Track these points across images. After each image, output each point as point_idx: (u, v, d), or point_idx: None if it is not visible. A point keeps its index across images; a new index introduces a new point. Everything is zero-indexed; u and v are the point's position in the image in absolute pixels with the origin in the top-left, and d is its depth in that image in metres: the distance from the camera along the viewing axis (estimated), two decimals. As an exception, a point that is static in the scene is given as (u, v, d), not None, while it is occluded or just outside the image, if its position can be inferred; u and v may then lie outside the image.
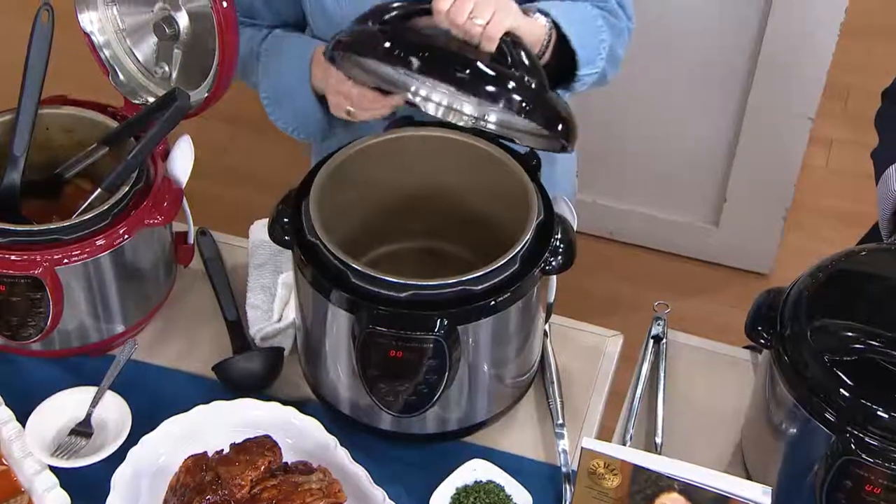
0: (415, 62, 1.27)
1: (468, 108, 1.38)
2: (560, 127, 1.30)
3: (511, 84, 1.27)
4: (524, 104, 1.26)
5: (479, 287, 1.23)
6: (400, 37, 1.30)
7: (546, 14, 1.38)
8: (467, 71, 1.26)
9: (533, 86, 1.28)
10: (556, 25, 1.38)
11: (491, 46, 1.28)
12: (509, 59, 1.28)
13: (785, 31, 2.32)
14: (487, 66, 1.27)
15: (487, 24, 1.26)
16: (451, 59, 1.28)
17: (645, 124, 2.58)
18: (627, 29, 1.53)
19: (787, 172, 2.54)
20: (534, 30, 1.35)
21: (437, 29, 1.31)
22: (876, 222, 1.75)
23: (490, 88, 1.26)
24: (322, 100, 1.49)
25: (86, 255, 1.34)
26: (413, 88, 1.38)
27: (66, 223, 1.33)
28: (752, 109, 2.46)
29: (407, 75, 1.34)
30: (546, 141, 1.35)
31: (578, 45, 1.39)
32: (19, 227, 1.33)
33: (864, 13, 2.61)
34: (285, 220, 1.29)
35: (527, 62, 1.28)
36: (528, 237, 1.26)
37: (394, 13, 1.33)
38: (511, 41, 1.29)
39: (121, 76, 1.54)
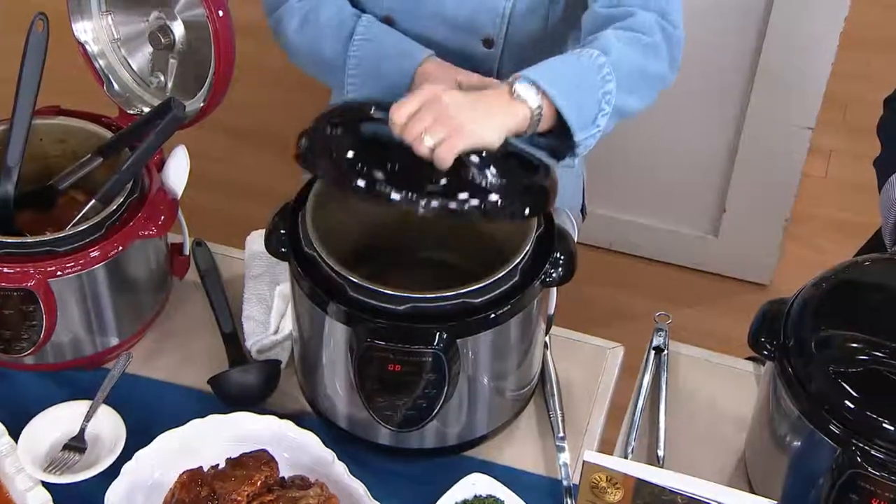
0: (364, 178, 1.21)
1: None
2: (526, 212, 1.24)
3: (465, 195, 1.20)
4: (483, 210, 1.20)
5: (479, 300, 1.21)
6: (360, 144, 1.25)
7: (533, 83, 1.28)
8: (416, 184, 1.21)
9: (488, 186, 1.21)
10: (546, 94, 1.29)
11: (443, 167, 1.21)
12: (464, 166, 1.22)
13: (784, 41, 2.32)
14: (440, 182, 1.21)
15: (439, 145, 1.20)
16: (405, 172, 1.22)
17: (644, 134, 2.57)
18: (672, 38, 1.45)
19: (786, 183, 2.53)
20: (510, 123, 1.27)
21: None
22: (874, 232, 1.74)
23: (448, 204, 1.20)
24: None
25: (80, 267, 1.33)
26: None
27: (60, 235, 1.32)
28: (752, 119, 2.45)
29: None
30: None
31: (569, 110, 1.30)
32: (12, 239, 1.32)
33: (863, 24, 2.61)
34: (282, 231, 1.28)
35: (480, 168, 1.22)
36: (527, 249, 1.25)
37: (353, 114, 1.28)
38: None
39: (115, 86, 1.54)
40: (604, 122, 1.36)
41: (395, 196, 1.18)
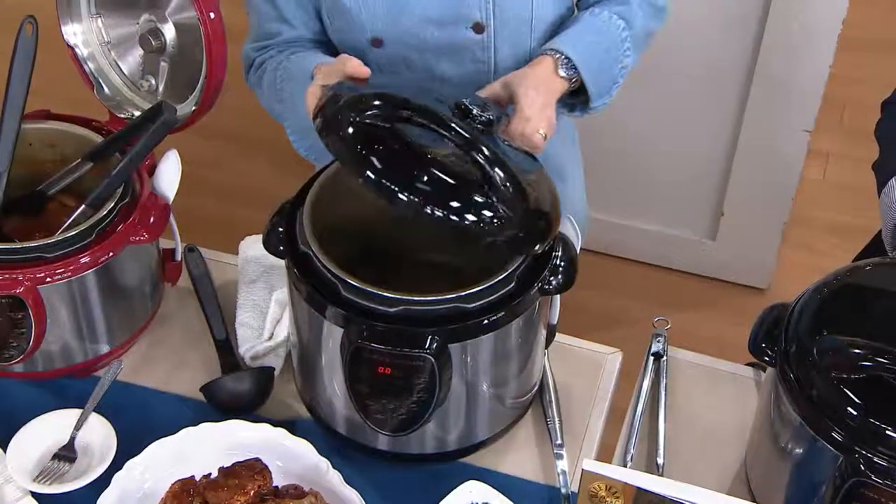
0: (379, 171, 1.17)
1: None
2: (530, 243, 1.21)
3: (477, 204, 1.16)
4: (490, 225, 1.16)
5: (473, 304, 1.20)
6: (371, 141, 1.20)
7: (563, 55, 1.43)
8: (430, 187, 1.16)
9: (502, 209, 1.16)
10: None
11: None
12: (482, 173, 1.18)
13: (782, 44, 2.31)
14: (454, 182, 1.17)
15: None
16: (419, 174, 1.17)
17: (641, 138, 2.57)
18: None
19: (784, 186, 2.53)
20: (555, 100, 1.41)
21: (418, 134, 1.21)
22: (874, 236, 1.73)
23: (454, 205, 1.16)
24: None
25: (69, 274, 1.31)
26: None
27: (50, 240, 1.30)
28: (750, 123, 2.45)
29: None
30: None
31: (593, 82, 1.45)
32: (0, 245, 1.30)
33: (861, 26, 2.61)
34: (280, 230, 1.27)
35: (502, 176, 1.18)
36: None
37: (373, 111, 1.23)
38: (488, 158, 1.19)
39: (106, 90, 1.52)
40: (616, 93, 1.51)
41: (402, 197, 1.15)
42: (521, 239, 1.19)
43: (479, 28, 1.49)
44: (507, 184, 1.17)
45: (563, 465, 1.32)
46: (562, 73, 1.42)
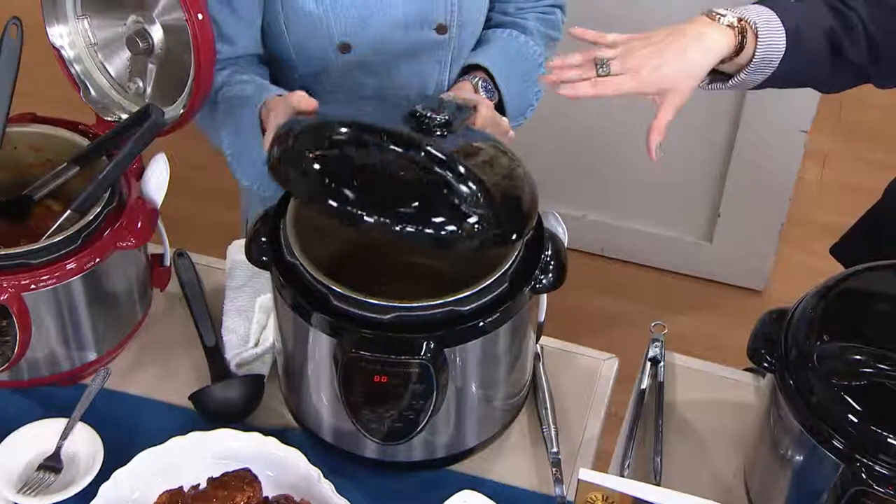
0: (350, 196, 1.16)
1: None
2: (508, 235, 1.19)
3: (449, 214, 1.15)
4: (466, 231, 1.14)
5: (467, 308, 1.19)
6: (336, 168, 1.19)
7: (481, 80, 1.51)
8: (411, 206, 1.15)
9: (475, 214, 1.15)
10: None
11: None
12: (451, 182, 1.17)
13: (778, 42, 2.29)
14: (422, 197, 1.16)
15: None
16: (390, 193, 1.17)
17: (637, 139, 2.54)
18: (561, 22, 1.66)
19: (781, 187, 2.52)
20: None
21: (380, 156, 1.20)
22: (855, 223, 1.69)
23: (429, 220, 1.15)
24: None
25: (55, 280, 1.30)
26: None
27: (35, 246, 1.29)
28: (746, 123, 2.44)
29: None
30: None
31: (512, 104, 1.53)
32: (-16, 251, 1.29)
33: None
34: (263, 239, 1.25)
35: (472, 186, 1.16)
36: (516, 254, 1.22)
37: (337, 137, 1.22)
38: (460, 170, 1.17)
39: (92, 92, 1.51)
40: (530, 115, 1.59)
41: (368, 219, 1.14)
42: (499, 235, 1.17)
43: (442, 29, 1.52)
44: (477, 190, 1.15)
45: (558, 473, 1.30)
46: (482, 95, 1.49)
